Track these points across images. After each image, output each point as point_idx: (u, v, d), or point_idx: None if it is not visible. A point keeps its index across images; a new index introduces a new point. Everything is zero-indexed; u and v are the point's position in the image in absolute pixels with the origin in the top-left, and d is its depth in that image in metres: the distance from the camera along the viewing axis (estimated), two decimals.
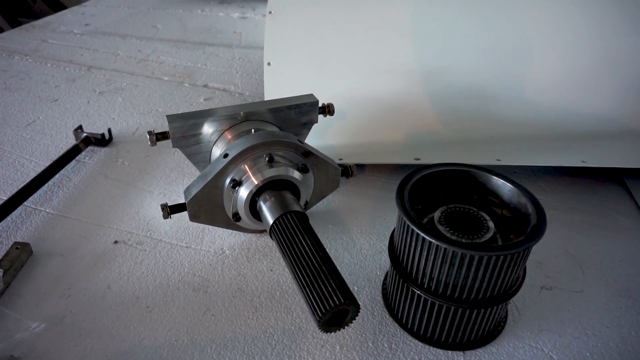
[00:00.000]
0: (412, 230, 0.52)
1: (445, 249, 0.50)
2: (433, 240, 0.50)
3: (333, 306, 0.49)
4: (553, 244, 0.75)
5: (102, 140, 1.01)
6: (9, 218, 0.80)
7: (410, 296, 0.58)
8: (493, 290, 0.53)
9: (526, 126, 0.93)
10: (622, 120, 0.93)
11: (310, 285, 0.51)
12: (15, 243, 0.72)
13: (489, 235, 0.54)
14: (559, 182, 0.90)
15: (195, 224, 0.78)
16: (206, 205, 0.68)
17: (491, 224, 0.56)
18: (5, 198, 0.82)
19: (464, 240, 0.53)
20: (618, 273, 0.71)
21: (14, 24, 2.91)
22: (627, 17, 0.96)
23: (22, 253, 0.71)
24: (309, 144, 0.74)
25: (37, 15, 3.19)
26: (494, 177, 0.59)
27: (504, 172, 0.91)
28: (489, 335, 0.60)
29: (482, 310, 0.55)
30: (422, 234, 0.51)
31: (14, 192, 0.83)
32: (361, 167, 0.94)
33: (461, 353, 0.59)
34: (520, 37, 0.97)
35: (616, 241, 0.77)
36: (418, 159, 0.86)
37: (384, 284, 0.68)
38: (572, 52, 0.96)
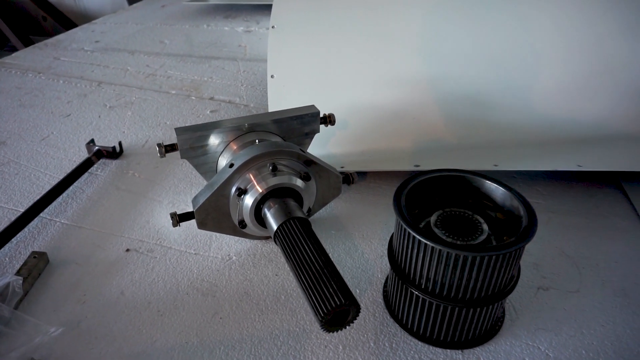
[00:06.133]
0: (409, 233, 0.55)
1: (440, 250, 0.53)
2: (429, 243, 0.53)
3: (334, 306, 0.51)
4: (550, 246, 0.78)
5: (113, 153, 1.05)
6: (26, 229, 0.84)
7: (409, 297, 0.60)
8: (488, 289, 0.55)
9: (523, 132, 0.96)
10: (617, 124, 0.95)
11: (312, 287, 0.54)
12: (33, 252, 0.76)
13: (483, 237, 0.57)
14: (556, 186, 0.92)
15: (203, 232, 0.81)
16: (213, 213, 0.71)
17: (485, 227, 0.58)
18: (22, 210, 0.86)
19: (458, 242, 0.55)
20: (614, 273, 0.72)
21: (27, 41, 3.00)
22: (621, 24, 0.99)
23: (39, 262, 0.75)
24: (312, 153, 0.77)
25: (48, 33, 3.28)
26: (487, 181, 0.62)
27: (503, 177, 0.94)
28: (486, 334, 0.62)
29: (478, 309, 0.57)
30: (418, 237, 0.54)
31: (30, 204, 0.87)
32: (363, 174, 0.97)
33: (459, 351, 0.61)
34: (517, 46, 1.00)
35: (612, 242, 0.78)
36: (418, 166, 0.88)
37: (384, 286, 0.71)
38: (568, 59, 0.99)
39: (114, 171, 1.02)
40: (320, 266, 0.56)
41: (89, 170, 1.01)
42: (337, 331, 0.54)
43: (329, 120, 0.83)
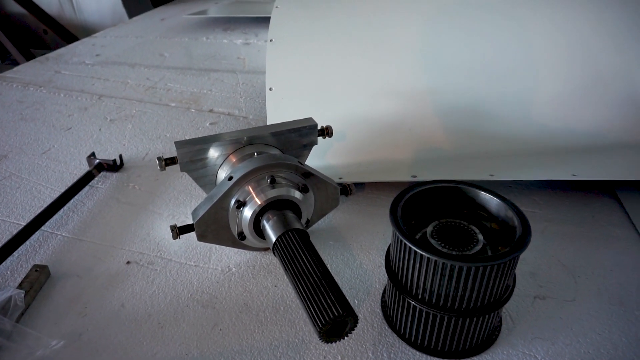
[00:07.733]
0: (405, 244, 0.56)
1: (436, 261, 0.54)
2: (425, 254, 0.54)
3: (332, 317, 0.52)
4: (546, 255, 0.78)
5: (114, 166, 1.07)
6: (27, 242, 0.84)
7: (406, 307, 0.61)
8: (484, 299, 0.56)
9: (519, 142, 0.97)
10: (611, 134, 0.96)
11: (310, 298, 0.55)
12: (35, 266, 0.77)
13: (479, 247, 0.58)
14: (552, 195, 0.93)
15: (203, 244, 0.82)
16: (213, 226, 0.72)
17: (480, 237, 0.59)
18: (24, 223, 0.87)
19: (454, 253, 0.56)
20: (610, 282, 0.73)
21: (28, 55, 3.03)
22: (614, 37, 1.01)
23: (41, 275, 0.75)
24: (310, 164, 0.78)
25: (49, 46, 3.31)
26: (482, 192, 0.63)
27: (500, 186, 0.95)
28: (483, 343, 0.63)
29: (475, 318, 0.58)
30: (415, 248, 0.55)
31: (31, 217, 0.88)
32: (361, 185, 0.98)
33: None
34: (513, 57, 1.01)
35: (608, 251, 0.79)
36: (415, 177, 0.90)
37: (382, 297, 0.72)
38: (562, 71, 1.00)
39: (115, 184, 1.03)
40: (318, 277, 0.56)
41: (90, 183, 1.02)
42: (335, 342, 0.55)
43: (326, 132, 0.84)
